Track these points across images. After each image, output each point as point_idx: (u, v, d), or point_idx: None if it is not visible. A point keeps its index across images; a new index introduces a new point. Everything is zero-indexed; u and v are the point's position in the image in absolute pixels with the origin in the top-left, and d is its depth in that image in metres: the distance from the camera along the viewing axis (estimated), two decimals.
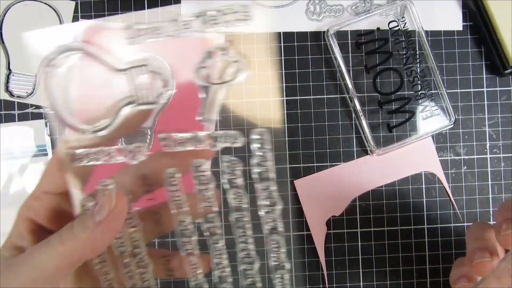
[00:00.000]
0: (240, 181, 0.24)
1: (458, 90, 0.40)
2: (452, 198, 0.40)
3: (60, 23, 0.39)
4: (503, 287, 0.27)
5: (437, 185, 0.40)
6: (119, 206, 0.21)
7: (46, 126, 0.39)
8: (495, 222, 0.30)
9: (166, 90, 0.24)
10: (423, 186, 0.40)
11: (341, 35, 0.39)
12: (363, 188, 0.39)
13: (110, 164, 0.23)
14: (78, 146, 0.23)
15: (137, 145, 0.22)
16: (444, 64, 0.40)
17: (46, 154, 0.39)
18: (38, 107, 0.39)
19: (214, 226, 0.23)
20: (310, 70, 0.40)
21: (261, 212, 0.23)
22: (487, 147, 0.40)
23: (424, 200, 0.40)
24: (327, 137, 0.40)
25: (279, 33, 0.40)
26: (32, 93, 0.39)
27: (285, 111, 0.40)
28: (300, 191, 0.39)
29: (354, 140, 0.40)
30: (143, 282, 0.24)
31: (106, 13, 0.39)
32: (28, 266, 0.21)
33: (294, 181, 0.39)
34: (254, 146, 0.23)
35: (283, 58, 0.40)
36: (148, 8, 0.40)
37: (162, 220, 0.26)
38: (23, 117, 0.39)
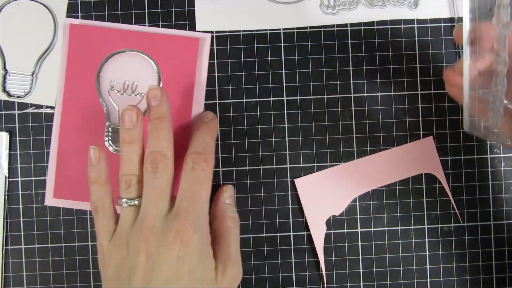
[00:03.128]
0: None
1: None
2: (452, 198, 0.40)
3: (54, 21, 0.39)
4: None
5: (437, 185, 0.40)
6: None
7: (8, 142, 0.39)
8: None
9: None
10: (423, 186, 0.40)
11: None
12: (363, 188, 0.40)
13: None
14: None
15: None
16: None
17: None
18: (38, 106, 0.39)
19: None
20: (310, 70, 0.40)
21: None
22: (487, 147, 0.40)
23: (424, 200, 0.40)
24: (327, 137, 0.40)
25: (279, 33, 0.40)
26: (30, 92, 0.39)
27: (285, 111, 0.40)
28: (301, 190, 0.39)
29: (354, 140, 0.40)
30: None
31: (106, 13, 0.40)
32: None
33: (294, 180, 0.39)
34: None
35: (283, 58, 0.40)
36: (148, 8, 0.40)
37: None
38: (24, 117, 0.40)
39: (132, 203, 0.33)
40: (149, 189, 0.33)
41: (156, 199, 0.32)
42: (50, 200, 0.39)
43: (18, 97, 0.39)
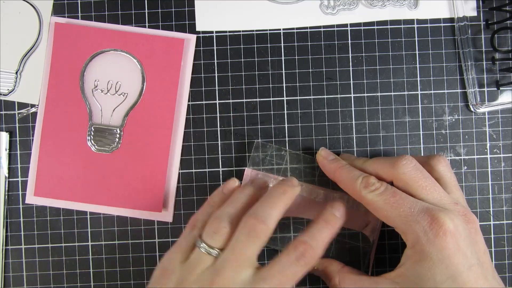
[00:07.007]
0: None
1: (459, 90, 0.40)
2: None
3: (39, 20, 0.39)
4: None
5: None
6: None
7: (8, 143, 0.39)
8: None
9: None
10: None
11: None
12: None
13: None
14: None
15: None
16: None
17: None
18: (25, 106, 0.39)
19: None
20: (310, 70, 0.40)
21: None
22: (487, 147, 0.40)
23: None
24: (327, 137, 0.40)
25: (279, 33, 0.40)
26: (13, 90, 0.39)
27: (285, 111, 0.40)
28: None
29: (354, 140, 0.40)
30: None
31: (106, 13, 0.40)
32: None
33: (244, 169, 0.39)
34: None
35: (283, 58, 0.40)
36: (148, 8, 0.40)
37: None
38: (24, 117, 0.40)
39: (210, 252, 0.31)
40: (235, 251, 0.30)
41: (239, 265, 0.30)
42: (31, 198, 0.39)
43: (2, 94, 0.39)
